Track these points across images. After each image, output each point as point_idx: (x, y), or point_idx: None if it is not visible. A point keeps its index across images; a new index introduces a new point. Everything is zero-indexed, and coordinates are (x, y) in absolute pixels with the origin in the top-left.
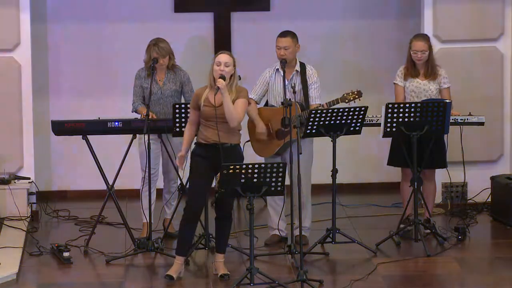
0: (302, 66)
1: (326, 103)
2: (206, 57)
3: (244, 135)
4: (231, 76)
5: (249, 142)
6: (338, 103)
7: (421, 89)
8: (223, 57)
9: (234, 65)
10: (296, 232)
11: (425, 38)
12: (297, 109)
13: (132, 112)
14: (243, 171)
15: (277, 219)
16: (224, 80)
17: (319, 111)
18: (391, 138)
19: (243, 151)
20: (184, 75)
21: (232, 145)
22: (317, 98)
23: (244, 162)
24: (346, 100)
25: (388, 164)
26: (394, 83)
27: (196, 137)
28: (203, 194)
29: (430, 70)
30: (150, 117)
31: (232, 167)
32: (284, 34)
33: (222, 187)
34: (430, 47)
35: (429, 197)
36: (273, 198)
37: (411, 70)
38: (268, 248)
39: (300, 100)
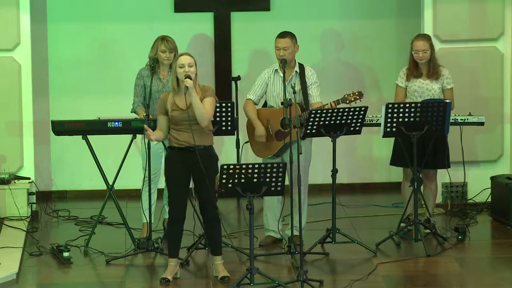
0: (301, 67)
1: (331, 103)
2: (206, 57)
3: (244, 136)
4: (195, 76)
5: (249, 143)
6: (339, 104)
7: (424, 89)
8: (185, 59)
9: (196, 65)
10: (294, 232)
11: (426, 37)
12: (297, 109)
13: (131, 112)
14: (243, 171)
15: (273, 220)
16: (191, 80)
17: (319, 111)
18: (393, 139)
19: (243, 151)
20: None
21: (206, 146)
22: (317, 97)
23: (244, 162)
24: (347, 101)
25: (391, 164)
26: (396, 84)
27: (168, 141)
28: (183, 197)
29: (432, 70)
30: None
31: (232, 167)
32: (283, 34)
33: (222, 187)
34: (431, 47)
35: (430, 197)
36: (271, 199)
37: (414, 71)
38: (263, 249)
39: (300, 101)
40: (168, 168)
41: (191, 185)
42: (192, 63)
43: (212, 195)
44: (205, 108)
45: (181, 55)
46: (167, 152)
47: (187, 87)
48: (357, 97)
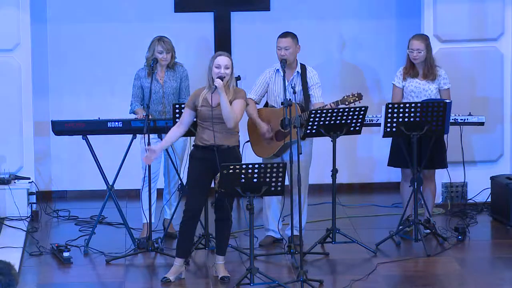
0: (303, 67)
1: (330, 104)
2: (206, 57)
3: (244, 136)
4: (229, 77)
5: (249, 143)
6: (338, 105)
7: (420, 89)
8: (223, 60)
9: (232, 67)
10: (294, 232)
11: (423, 37)
12: (297, 110)
13: (130, 113)
14: (243, 171)
15: (273, 220)
16: (222, 81)
17: (319, 111)
18: (391, 139)
19: (243, 151)
20: (184, 71)
21: (230, 146)
22: (319, 98)
23: (245, 162)
24: (346, 103)
25: (389, 165)
26: (393, 84)
27: (194, 138)
28: (202, 196)
29: (428, 71)
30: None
31: (232, 167)
32: (285, 34)
33: (222, 187)
34: (427, 47)
35: (429, 197)
36: (271, 198)
37: (410, 70)
38: (263, 249)
39: (300, 102)
40: (191, 166)
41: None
42: (229, 65)
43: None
44: (233, 110)
45: (220, 55)
46: (191, 151)
47: (215, 86)
48: (356, 98)
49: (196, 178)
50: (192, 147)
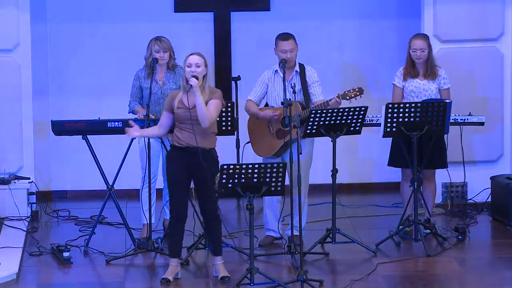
0: (301, 66)
1: (335, 98)
2: (206, 57)
3: (244, 137)
4: (204, 76)
5: (249, 144)
6: (340, 99)
7: (420, 89)
8: (193, 58)
9: (206, 66)
10: (294, 232)
11: (425, 37)
12: (298, 107)
13: (129, 113)
14: (243, 171)
15: (272, 220)
16: (197, 80)
17: (319, 111)
18: (391, 139)
19: (243, 152)
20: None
21: (206, 149)
22: (320, 95)
23: (245, 162)
24: (347, 97)
25: (389, 165)
26: (393, 84)
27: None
28: (184, 197)
29: (429, 70)
30: (149, 117)
31: (232, 167)
32: (286, 37)
33: (221, 188)
34: (429, 46)
35: (429, 197)
36: (271, 198)
37: (410, 70)
38: (263, 249)
39: (301, 101)
40: (168, 167)
41: (191, 185)
42: (200, 64)
43: (212, 196)
44: (208, 110)
45: (191, 54)
46: (168, 151)
47: (190, 85)
48: (358, 93)
49: (176, 180)
50: (169, 148)
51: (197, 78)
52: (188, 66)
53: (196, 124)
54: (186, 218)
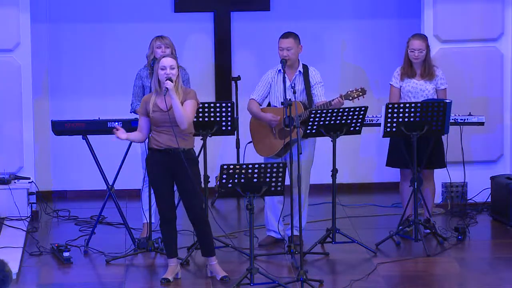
0: (305, 67)
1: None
2: (206, 57)
3: (245, 137)
4: (177, 78)
5: (251, 144)
6: (343, 99)
7: (417, 89)
8: (167, 61)
9: (178, 67)
10: (294, 232)
11: (423, 37)
12: (300, 107)
13: (131, 112)
14: (243, 171)
15: (273, 220)
16: (172, 82)
17: (319, 111)
18: (389, 139)
19: (244, 152)
20: (185, 75)
21: (186, 149)
22: (322, 96)
23: (245, 162)
24: (350, 98)
25: (387, 165)
26: (390, 84)
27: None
28: (170, 198)
29: (427, 71)
30: None
31: (232, 167)
32: (286, 35)
33: (221, 188)
34: (427, 47)
35: (429, 197)
36: (271, 199)
37: (408, 70)
38: (263, 249)
39: (303, 101)
40: (150, 170)
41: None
42: (174, 66)
43: (197, 197)
44: (185, 111)
45: (163, 57)
46: (147, 154)
47: (166, 88)
48: (360, 93)
49: (159, 182)
50: (148, 151)
51: (171, 80)
52: (162, 69)
53: (175, 125)
54: (175, 218)
